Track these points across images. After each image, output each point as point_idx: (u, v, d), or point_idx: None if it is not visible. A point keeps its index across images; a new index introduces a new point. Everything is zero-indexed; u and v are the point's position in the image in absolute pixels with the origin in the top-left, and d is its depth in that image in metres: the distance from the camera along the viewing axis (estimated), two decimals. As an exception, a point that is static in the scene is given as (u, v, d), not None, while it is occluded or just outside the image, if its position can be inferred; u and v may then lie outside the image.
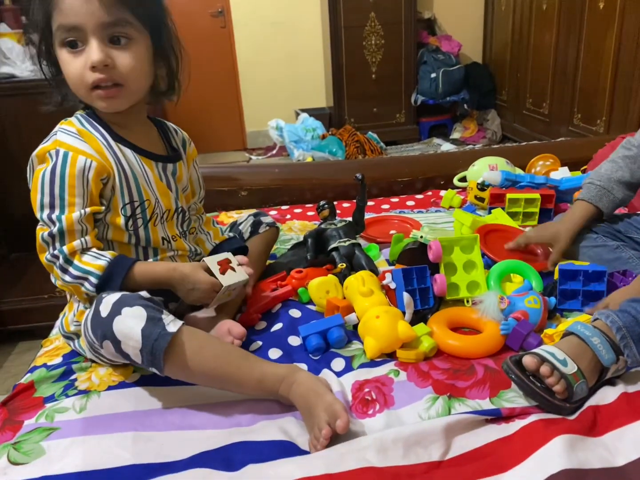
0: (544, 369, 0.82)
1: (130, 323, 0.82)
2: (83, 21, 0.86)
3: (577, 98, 3.29)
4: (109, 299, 0.85)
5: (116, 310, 0.83)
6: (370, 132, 3.89)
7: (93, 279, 0.90)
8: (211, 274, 0.98)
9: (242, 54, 4.12)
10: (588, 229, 1.23)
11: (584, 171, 1.66)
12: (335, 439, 0.76)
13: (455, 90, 4.18)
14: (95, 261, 0.91)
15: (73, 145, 0.91)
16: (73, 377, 0.96)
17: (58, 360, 1.01)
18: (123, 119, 0.98)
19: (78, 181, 0.90)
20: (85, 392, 0.91)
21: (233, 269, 1.01)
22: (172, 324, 0.84)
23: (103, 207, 0.94)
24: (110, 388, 0.92)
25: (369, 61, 4.07)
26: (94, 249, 0.92)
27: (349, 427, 0.78)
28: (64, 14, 0.86)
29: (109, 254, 0.92)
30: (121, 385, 0.93)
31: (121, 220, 0.96)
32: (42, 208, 0.90)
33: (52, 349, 1.06)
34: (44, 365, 0.99)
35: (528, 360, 0.83)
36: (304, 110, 4.05)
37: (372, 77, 4.11)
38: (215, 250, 1.15)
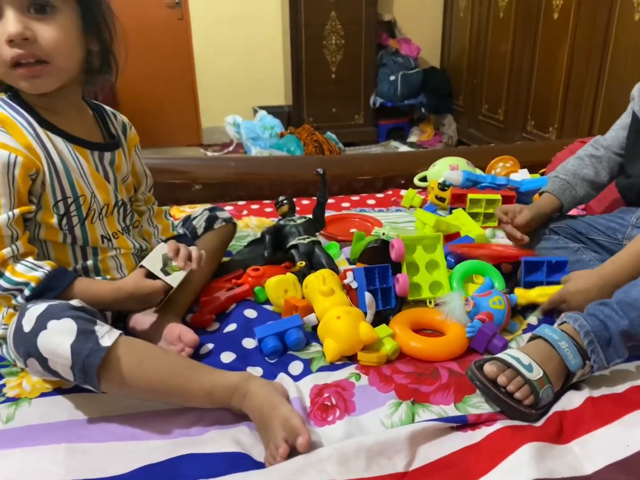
0: (502, 379, 0.79)
1: (58, 339, 0.73)
2: None
3: (531, 105, 3.36)
4: (33, 311, 0.75)
5: (41, 324, 0.73)
6: (329, 132, 3.85)
7: (27, 292, 0.81)
8: (154, 277, 0.92)
9: (199, 48, 4.00)
10: (549, 229, 1.22)
11: (542, 174, 1.67)
12: (292, 451, 0.70)
13: (414, 93, 4.20)
14: (30, 272, 0.82)
15: None
16: (1, 382, 0.87)
17: (-15, 364, 0.91)
18: (52, 102, 0.88)
19: (2, 179, 0.79)
20: (14, 400, 0.82)
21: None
22: (106, 337, 0.75)
23: (33, 207, 0.84)
24: (43, 395, 0.83)
25: (328, 61, 4.03)
26: (30, 258, 0.83)
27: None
28: None
29: (47, 265, 0.83)
30: (56, 392, 0.84)
31: (54, 219, 0.87)
32: None
33: (-21, 351, 0.95)
34: (-32, 369, 0.89)
35: (488, 368, 0.81)
36: (262, 108, 3.98)
37: (332, 77, 4.07)
38: None
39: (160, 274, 0.92)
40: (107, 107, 1.02)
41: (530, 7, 3.18)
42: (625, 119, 1.25)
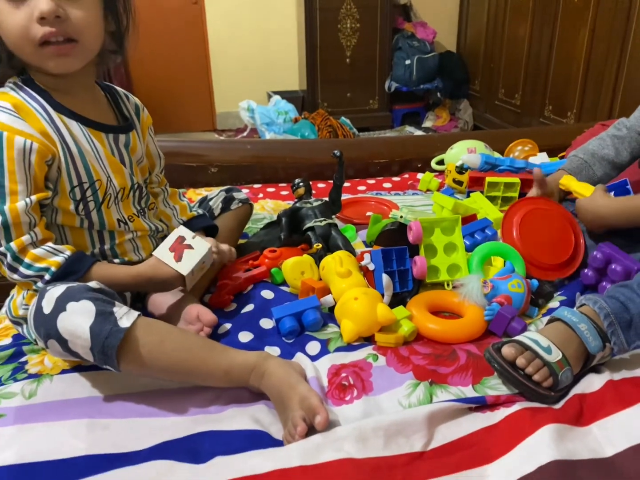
0: (521, 361, 0.79)
1: (77, 320, 0.73)
2: None
3: (548, 90, 3.31)
4: (53, 293, 0.76)
5: (60, 306, 0.74)
6: (343, 118, 3.82)
7: (48, 276, 0.81)
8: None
9: (213, 32, 3.98)
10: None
11: (561, 158, 1.64)
12: (310, 429, 0.71)
13: (429, 78, 4.15)
14: (51, 257, 0.82)
15: (8, 125, 0.79)
16: (23, 359, 0.88)
17: (7, 340, 0.93)
18: (68, 85, 0.88)
19: (19, 166, 0.79)
20: (36, 376, 0.83)
21: (190, 246, 0.91)
22: (125, 318, 0.75)
23: (50, 193, 0.84)
24: (64, 372, 0.85)
25: (343, 45, 3.99)
26: (50, 243, 0.83)
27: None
28: None
29: (67, 250, 0.84)
30: (76, 369, 0.85)
31: (71, 205, 0.87)
32: None
33: (1, 329, 0.97)
34: (-9, 346, 0.91)
35: (506, 351, 0.80)
36: (276, 93, 3.96)
37: (347, 62, 4.04)
38: None
39: (171, 261, 0.89)
40: (118, 88, 1.02)
41: (550, -11, 3.12)
42: None
